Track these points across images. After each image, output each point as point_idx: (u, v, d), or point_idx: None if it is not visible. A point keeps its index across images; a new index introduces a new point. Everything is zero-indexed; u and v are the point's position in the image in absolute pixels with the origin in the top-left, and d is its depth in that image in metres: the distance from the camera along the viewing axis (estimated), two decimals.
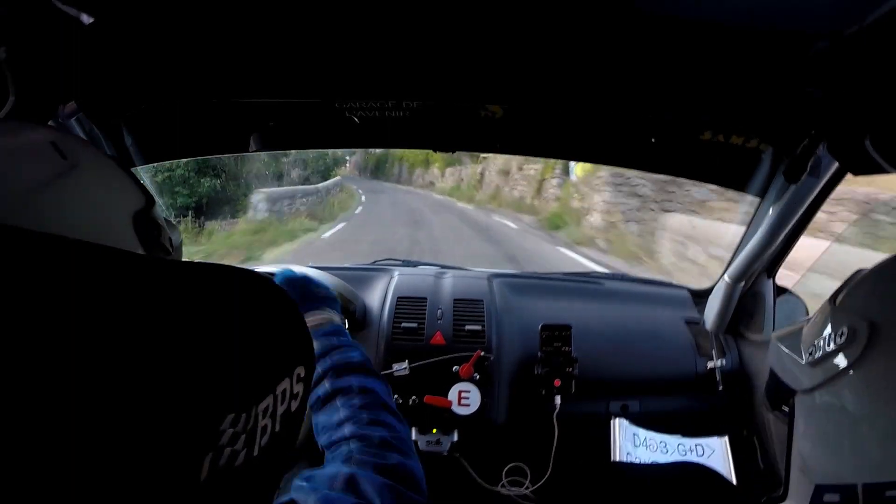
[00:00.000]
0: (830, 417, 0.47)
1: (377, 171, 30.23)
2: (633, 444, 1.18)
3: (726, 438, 1.17)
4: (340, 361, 0.67)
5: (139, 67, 0.80)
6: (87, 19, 0.63)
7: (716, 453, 1.16)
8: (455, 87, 0.89)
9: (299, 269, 1.25)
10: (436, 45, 0.74)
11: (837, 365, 0.45)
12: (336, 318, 0.77)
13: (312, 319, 0.74)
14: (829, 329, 0.46)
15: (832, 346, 0.45)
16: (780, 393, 0.57)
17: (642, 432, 1.20)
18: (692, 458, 1.16)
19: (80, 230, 0.45)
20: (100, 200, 0.49)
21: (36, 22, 0.62)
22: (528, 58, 0.76)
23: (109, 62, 0.75)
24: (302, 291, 0.78)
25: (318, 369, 0.67)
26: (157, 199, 0.56)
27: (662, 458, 1.17)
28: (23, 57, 0.65)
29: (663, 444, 1.18)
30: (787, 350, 0.56)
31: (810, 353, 0.49)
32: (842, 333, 0.45)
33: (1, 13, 0.60)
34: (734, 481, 1.12)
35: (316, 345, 0.69)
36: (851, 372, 0.43)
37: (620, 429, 1.19)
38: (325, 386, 0.65)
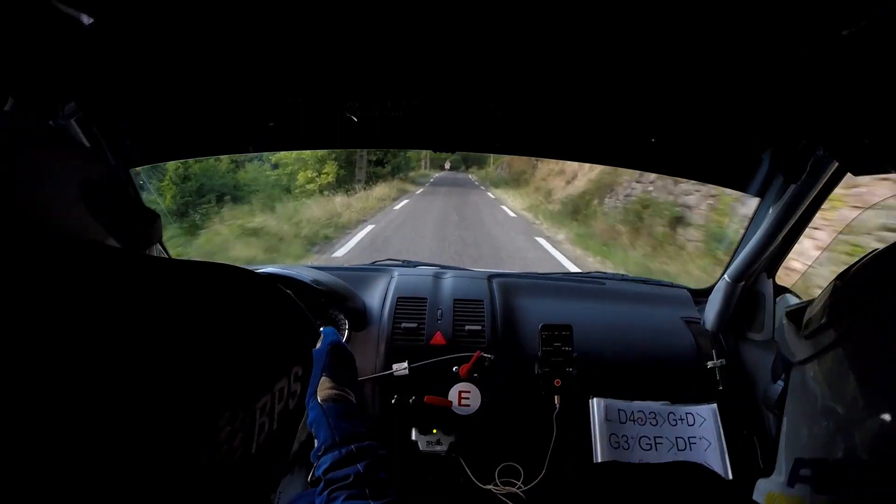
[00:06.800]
0: (812, 392, 0.47)
1: None
2: (619, 420, 1.16)
3: (715, 406, 1.18)
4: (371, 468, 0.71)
5: (139, 68, 0.80)
6: (86, 20, 0.63)
7: (707, 422, 1.16)
8: (454, 86, 0.89)
9: (301, 270, 1.25)
10: (435, 44, 0.74)
11: (824, 341, 0.45)
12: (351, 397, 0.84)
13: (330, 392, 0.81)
14: (826, 305, 0.46)
15: (824, 320, 0.46)
16: (780, 365, 0.58)
17: (628, 406, 1.18)
18: (683, 427, 1.15)
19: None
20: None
21: (36, 22, 0.62)
22: (528, 57, 0.76)
23: (109, 62, 0.75)
24: (339, 362, 0.87)
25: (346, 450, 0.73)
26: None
27: (653, 432, 1.15)
28: (23, 57, 0.65)
29: (653, 416, 1.17)
30: (790, 323, 0.56)
31: (806, 327, 0.49)
32: (833, 310, 0.46)
33: (1, 13, 0.60)
34: (726, 452, 1.12)
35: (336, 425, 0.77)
36: (833, 350, 0.44)
37: (599, 409, 1.17)
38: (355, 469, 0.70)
